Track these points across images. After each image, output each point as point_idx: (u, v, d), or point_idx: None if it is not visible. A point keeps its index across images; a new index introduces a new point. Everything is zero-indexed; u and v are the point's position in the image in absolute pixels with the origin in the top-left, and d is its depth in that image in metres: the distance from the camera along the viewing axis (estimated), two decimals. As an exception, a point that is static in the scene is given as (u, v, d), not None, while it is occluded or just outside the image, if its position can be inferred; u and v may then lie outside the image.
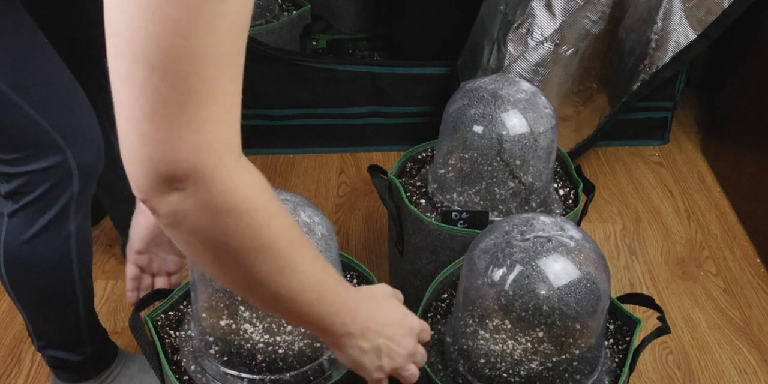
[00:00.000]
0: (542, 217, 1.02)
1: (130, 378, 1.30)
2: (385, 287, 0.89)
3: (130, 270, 1.08)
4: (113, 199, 1.50)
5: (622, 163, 1.99)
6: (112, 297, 1.57)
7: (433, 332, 1.13)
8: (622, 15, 1.64)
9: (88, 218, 1.13)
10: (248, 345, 0.98)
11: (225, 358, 1.00)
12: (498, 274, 0.97)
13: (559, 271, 0.95)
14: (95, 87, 1.23)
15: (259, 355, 0.99)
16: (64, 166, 1.03)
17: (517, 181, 1.25)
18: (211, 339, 1.00)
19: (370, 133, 2.02)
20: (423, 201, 1.34)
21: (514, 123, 1.22)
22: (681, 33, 1.73)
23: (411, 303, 1.41)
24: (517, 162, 1.23)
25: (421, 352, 0.89)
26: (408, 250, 1.33)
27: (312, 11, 2.06)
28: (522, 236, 0.98)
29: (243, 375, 1.00)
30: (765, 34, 1.75)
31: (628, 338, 1.12)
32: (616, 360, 1.09)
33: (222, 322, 0.98)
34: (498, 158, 1.23)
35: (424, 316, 1.15)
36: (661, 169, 1.97)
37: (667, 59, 1.76)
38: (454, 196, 1.29)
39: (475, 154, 1.24)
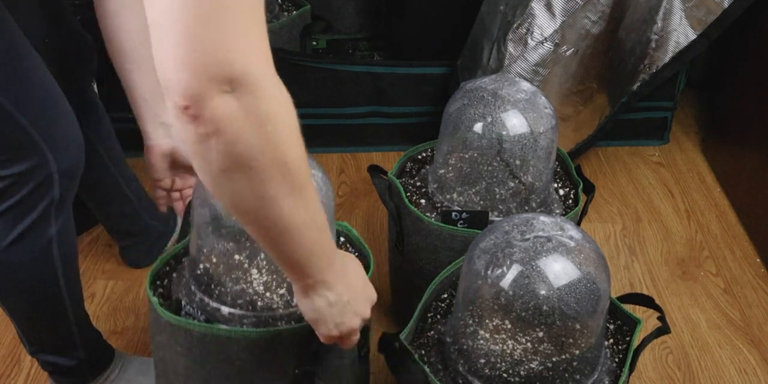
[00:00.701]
0: (542, 217, 1.02)
1: (128, 381, 1.30)
2: (356, 259, 0.93)
3: (157, 192, 1.18)
4: (106, 202, 1.50)
5: (622, 163, 1.99)
6: (112, 297, 1.57)
7: (433, 332, 1.13)
8: (622, 15, 1.64)
9: (71, 223, 1.12)
10: (244, 285, 1.00)
11: (202, 287, 1.02)
12: (498, 274, 0.97)
13: (559, 271, 0.95)
14: (76, 93, 1.25)
15: (243, 297, 1.00)
16: (44, 169, 1.03)
17: (517, 181, 1.25)
18: (208, 265, 1.01)
19: (370, 133, 2.02)
20: (423, 201, 1.34)
21: (514, 123, 1.22)
22: (681, 33, 1.73)
23: (411, 303, 1.42)
24: (517, 162, 1.23)
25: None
26: (408, 250, 1.33)
27: (312, 11, 2.06)
28: (522, 236, 0.98)
29: (212, 303, 1.02)
30: (765, 34, 1.75)
31: (628, 338, 1.12)
32: (616, 360, 1.09)
33: (237, 256, 0.99)
34: (498, 158, 1.23)
35: (423, 316, 1.15)
36: (661, 169, 1.97)
37: (667, 59, 1.76)
38: (454, 196, 1.29)
39: (475, 154, 1.24)
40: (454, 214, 1.25)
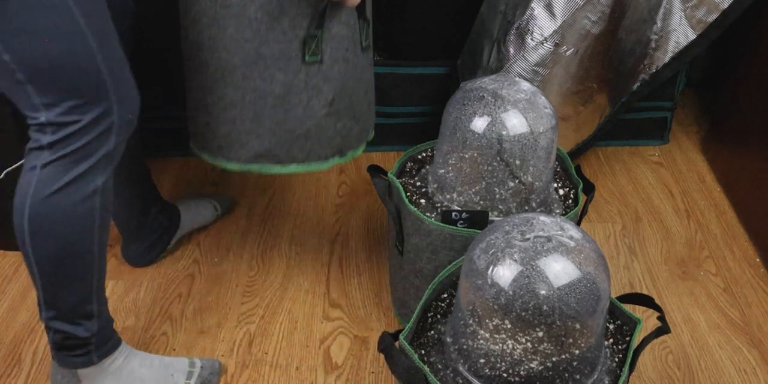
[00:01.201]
0: (542, 217, 1.02)
1: (130, 371, 1.30)
2: None
3: None
4: (121, 186, 1.52)
5: (622, 163, 1.99)
6: (113, 297, 1.57)
7: (433, 332, 1.13)
8: (622, 15, 1.64)
9: (112, 181, 1.17)
10: None
11: None
12: (498, 274, 0.97)
13: (559, 270, 0.95)
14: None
15: None
16: (109, 119, 1.09)
17: (517, 181, 1.25)
18: None
19: (370, 133, 2.02)
20: (423, 201, 1.34)
21: (514, 123, 1.22)
22: (681, 33, 1.73)
23: (411, 303, 1.42)
24: (517, 162, 1.23)
25: None
26: (408, 250, 1.33)
27: (312, 11, 2.05)
28: (522, 236, 0.99)
29: None
30: (765, 34, 1.75)
31: (628, 338, 1.12)
32: (616, 360, 1.09)
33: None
34: (498, 158, 1.23)
35: (424, 316, 1.15)
36: (661, 169, 1.97)
37: (666, 59, 1.77)
38: (454, 196, 1.29)
39: (475, 154, 1.24)
40: (454, 214, 1.25)
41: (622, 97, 1.82)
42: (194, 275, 1.63)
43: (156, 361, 1.34)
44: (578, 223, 1.32)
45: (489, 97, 1.23)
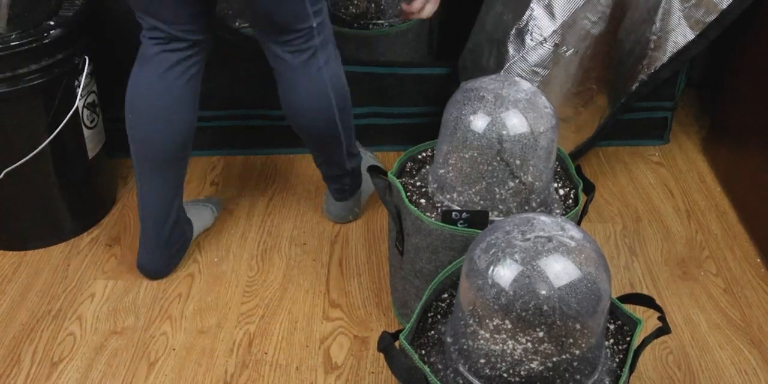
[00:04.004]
0: (542, 217, 1.02)
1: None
2: None
3: None
4: (169, 189, 1.58)
5: (622, 163, 1.99)
6: (112, 297, 1.57)
7: (433, 332, 1.13)
8: (623, 16, 1.64)
9: None
10: None
11: None
12: (498, 274, 0.97)
13: (559, 271, 0.95)
14: None
15: None
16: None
17: (517, 181, 1.25)
18: None
19: (370, 133, 2.02)
20: (423, 201, 1.34)
21: (514, 123, 1.22)
22: (679, 33, 1.73)
23: (411, 303, 1.41)
24: (517, 162, 1.23)
25: None
26: (408, 250, 1.33)
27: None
28: (523, 236, 0.99)
29: None
30: (765, 34, 1.75)
31: (628, 338, 1.12)
32: (617, 360, 1.09)
33: None
34: (498, 158, 1.23)
35: (424, 316, 1.15)
36: (661, 169, 1.97)
37: (665, 59, 1.76)
38: (454, 195, 1.29)
39: (475, 154, 1.24)
40: (454, 213, 1.25)
41: (621, 98, 1.82)
42: (194, 275, 1.63)
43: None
44: (578, 223, 1.32)
45: (489, 97, 1.23)
